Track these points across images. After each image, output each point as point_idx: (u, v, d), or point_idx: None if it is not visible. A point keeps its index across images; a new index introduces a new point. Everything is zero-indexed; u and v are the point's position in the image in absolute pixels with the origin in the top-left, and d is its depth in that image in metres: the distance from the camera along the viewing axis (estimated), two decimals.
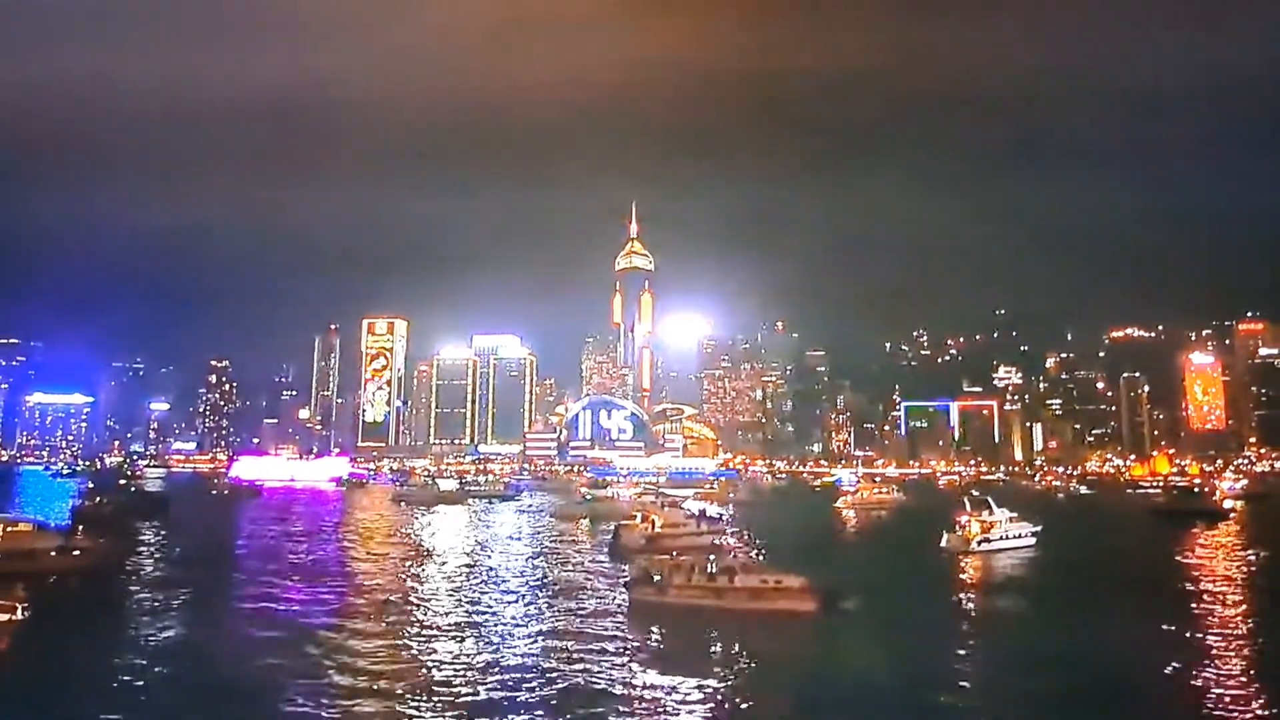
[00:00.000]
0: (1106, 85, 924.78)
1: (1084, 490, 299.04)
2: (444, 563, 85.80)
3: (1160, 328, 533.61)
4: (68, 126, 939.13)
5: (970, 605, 67.21)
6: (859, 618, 54.63)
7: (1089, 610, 60.23)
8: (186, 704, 37.98)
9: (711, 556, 59.90)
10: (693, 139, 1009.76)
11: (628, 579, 62.87)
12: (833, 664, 44.78)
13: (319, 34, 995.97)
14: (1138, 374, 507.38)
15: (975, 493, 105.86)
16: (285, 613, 56.70)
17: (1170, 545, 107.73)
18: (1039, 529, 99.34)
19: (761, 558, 71.75)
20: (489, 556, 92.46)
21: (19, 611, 45.03)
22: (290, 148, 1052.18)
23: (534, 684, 40.85)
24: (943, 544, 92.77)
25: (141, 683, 40.69)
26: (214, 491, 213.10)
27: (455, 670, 43.43)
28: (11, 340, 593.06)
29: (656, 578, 57.85)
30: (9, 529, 72.03)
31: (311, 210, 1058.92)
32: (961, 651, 49.71)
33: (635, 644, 49.82)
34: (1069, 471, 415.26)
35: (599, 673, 42.86)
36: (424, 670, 43.23)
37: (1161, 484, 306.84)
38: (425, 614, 57.59)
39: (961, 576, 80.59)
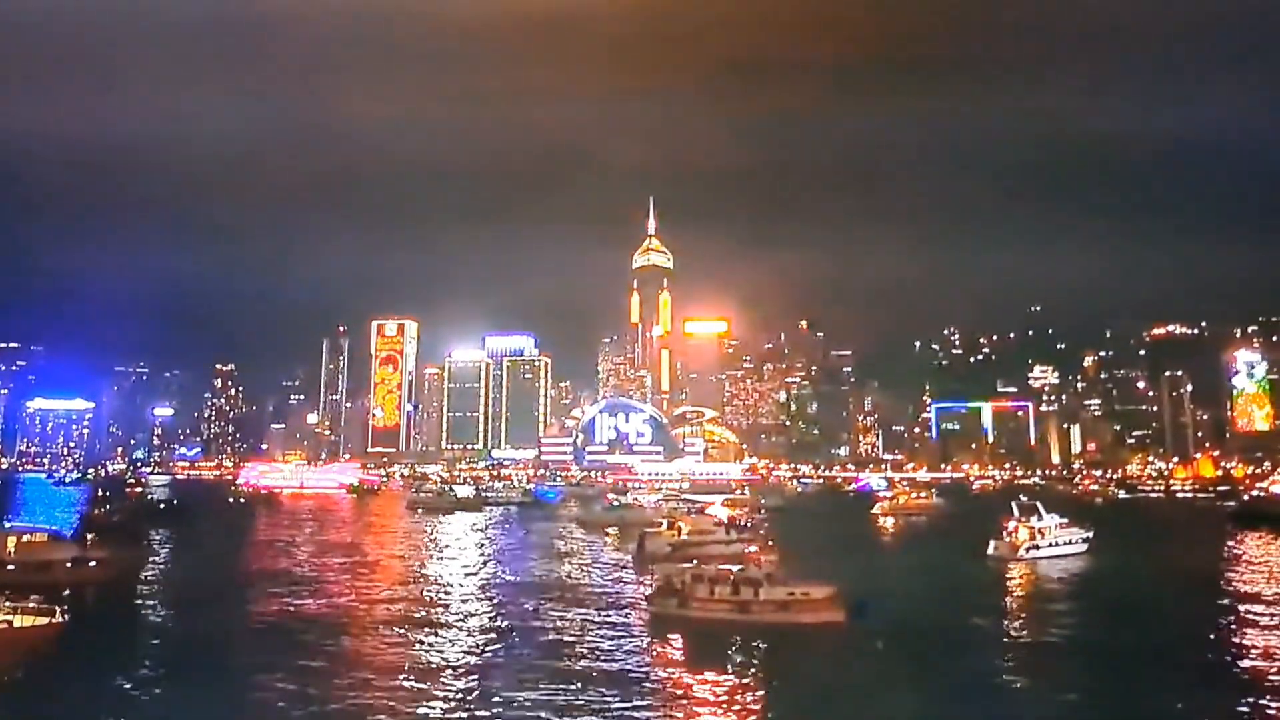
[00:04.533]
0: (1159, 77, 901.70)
1: (1122, 495, 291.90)
2: (462, 573, 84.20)
3: (1203, 324, 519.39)
4: (77, 141, 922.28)
5: (1022, 617, 65.17)
6: (893, 630, 52.17)
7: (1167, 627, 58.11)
8: None
9: (736, 566, 59.05)
10: (713, 131, 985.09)
11: (649, 590, 62.50)
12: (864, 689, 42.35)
13: (325, 38, 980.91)
14: (1180, 373, 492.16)
15: (1024, 498, 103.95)
16: (314, 634, 52.67)
17: (1245, 554, 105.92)
18: (1090, 535, 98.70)
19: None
20: (506, 566, 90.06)
21: (58, 615, 44.31)
22: (298, 153, 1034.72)
23: (541, 701, 39.45)
24: (989, 551, 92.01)
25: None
26: (230, 499, 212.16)
27: (459, 687, 42.14)
28: (11, 344, 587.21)
29: (678, 588, 56.68)
30: (22, 540, 69.14)
31: (320, 210, 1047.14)
32: (1012, 677, 45.86)
33: (652, 661, 48.24)
34: (1108, 475, 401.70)
35: (612, 694, 40.74)
36: (427, 684, 42.40)
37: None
38: (440, 625, 57.01)
39: (1009, 586, 78.80)
